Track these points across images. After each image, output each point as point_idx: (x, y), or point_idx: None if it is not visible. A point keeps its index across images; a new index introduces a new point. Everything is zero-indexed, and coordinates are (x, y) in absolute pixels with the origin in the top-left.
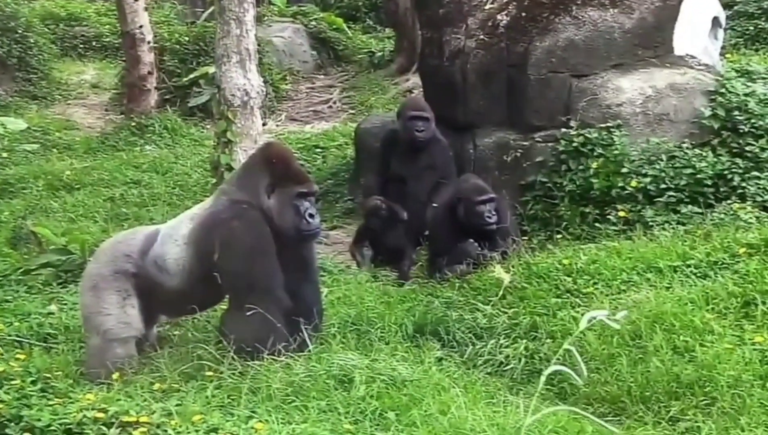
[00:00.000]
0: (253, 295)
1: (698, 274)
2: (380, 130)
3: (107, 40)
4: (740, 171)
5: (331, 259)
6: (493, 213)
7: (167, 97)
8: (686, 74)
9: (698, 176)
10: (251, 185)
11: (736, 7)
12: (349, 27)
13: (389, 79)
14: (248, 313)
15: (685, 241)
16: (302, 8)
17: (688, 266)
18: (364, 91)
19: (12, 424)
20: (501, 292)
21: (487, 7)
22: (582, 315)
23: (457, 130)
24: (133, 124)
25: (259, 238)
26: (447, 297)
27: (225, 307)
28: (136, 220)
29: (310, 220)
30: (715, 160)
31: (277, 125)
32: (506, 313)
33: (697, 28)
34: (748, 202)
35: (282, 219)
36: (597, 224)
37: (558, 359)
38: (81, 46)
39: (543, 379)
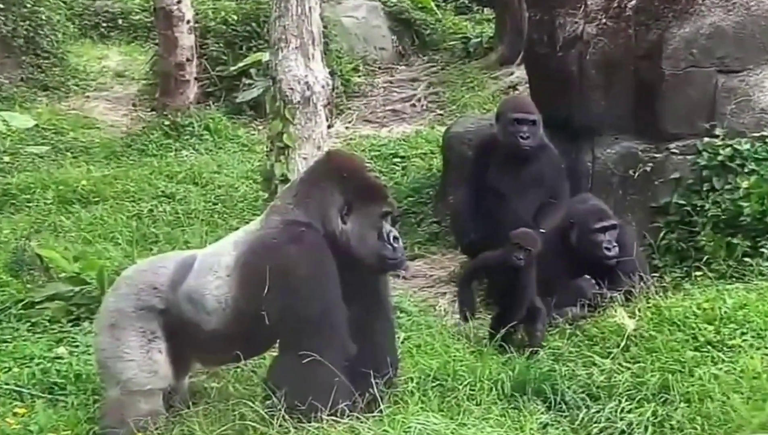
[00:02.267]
0: (311, 339)
1: None
2: (475, 135)
3: (136, 18)
4: None
5: (411, 297)
6: (615, 243)
7: (210, 90)
8: None
9: None
10: (315, 203)
11: None
12: (438, 6)
13: (487, 72)
14: (304, 362)
15: None
16: None
17: None
18: (455, 87)
19: None
20: (623, 342)
21: None
22: (726, 373)
23: (571, 137)
24: (167, 123)
25: (319, 268)
26: (555, 347)
27: (275, 354)
28: (167, 244)
29: (395, 245)
30: None
31: (347, 127)
32: (630, 368)
33: None
34: None
35: (363, 246)
36: (747, 259)
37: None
38: (104, 24)
39: None
